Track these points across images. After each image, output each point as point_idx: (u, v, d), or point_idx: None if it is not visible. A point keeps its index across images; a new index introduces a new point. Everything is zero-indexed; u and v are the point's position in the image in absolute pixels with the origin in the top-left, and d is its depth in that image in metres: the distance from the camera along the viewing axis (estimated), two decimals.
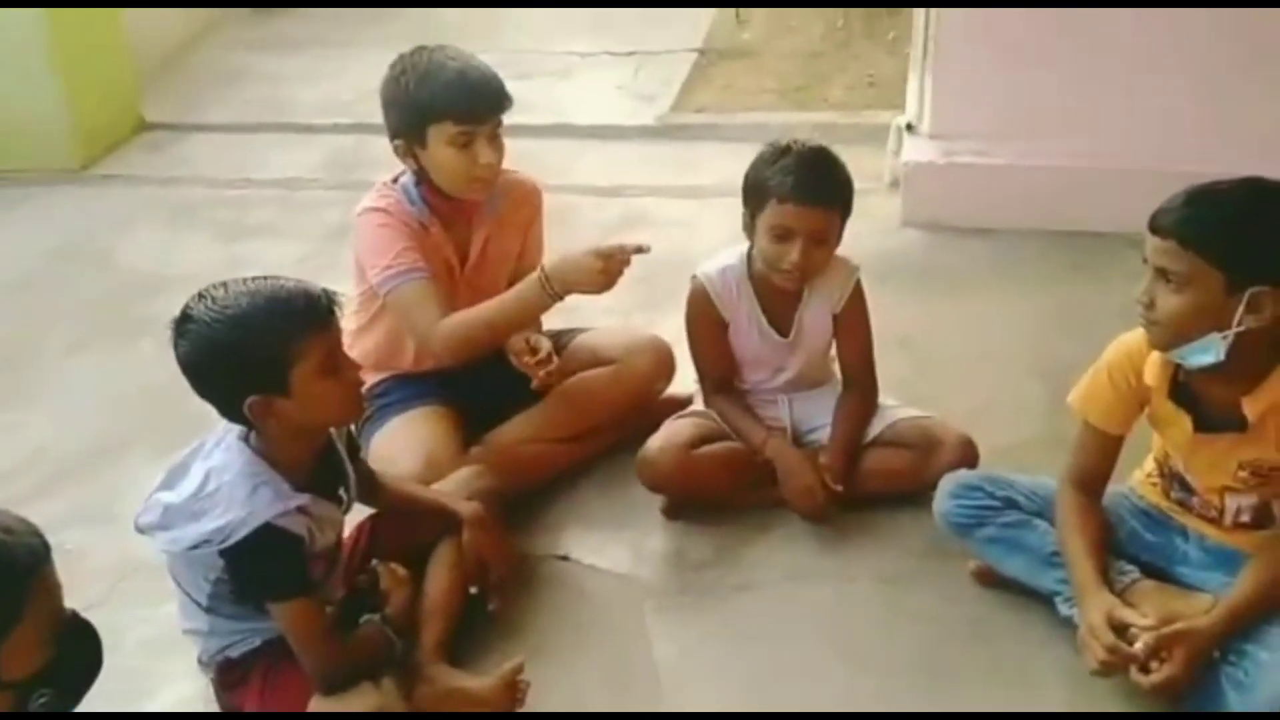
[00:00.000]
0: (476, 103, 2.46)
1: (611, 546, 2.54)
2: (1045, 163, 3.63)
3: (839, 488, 2.49)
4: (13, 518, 1.61)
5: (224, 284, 1.94)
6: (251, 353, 1.89)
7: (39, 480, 2.84)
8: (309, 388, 1.93)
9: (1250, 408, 1.98)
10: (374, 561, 2.25)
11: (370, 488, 2.27)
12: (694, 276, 2.60)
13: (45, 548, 1.62)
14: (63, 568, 2.46)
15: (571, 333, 2.81)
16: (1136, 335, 2.11)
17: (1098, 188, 3.56)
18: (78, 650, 1.67)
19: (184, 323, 1.91)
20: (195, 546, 1.96)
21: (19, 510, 2.62)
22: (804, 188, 2.39)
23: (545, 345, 2.57)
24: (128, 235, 4.07)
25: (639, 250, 2.41)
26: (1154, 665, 1.96)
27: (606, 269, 2.39)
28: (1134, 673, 1.98)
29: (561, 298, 2.46)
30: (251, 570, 1.97)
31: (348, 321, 2.62)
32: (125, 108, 4.80)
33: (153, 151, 4.70)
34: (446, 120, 2.44)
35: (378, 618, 2.12)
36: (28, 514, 2.62)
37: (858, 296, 2.58)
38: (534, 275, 2.46)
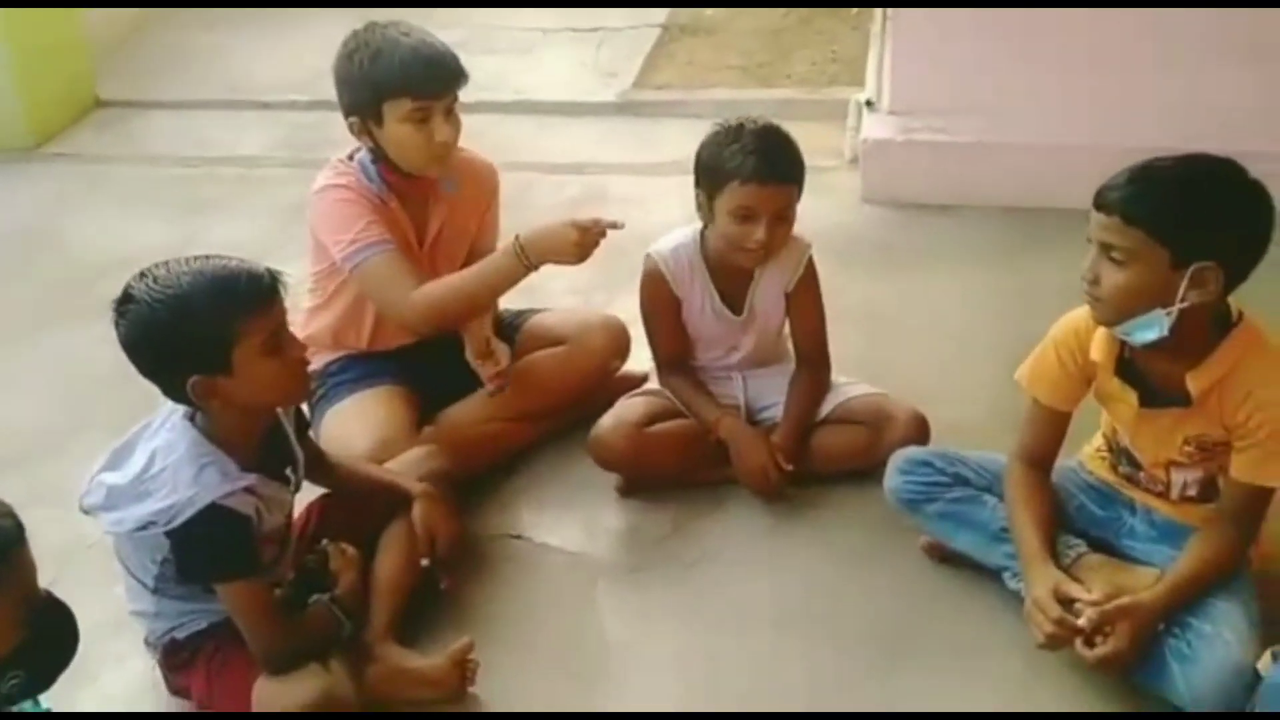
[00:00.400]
0: (432, 78, 2.43)
1: (565, 525, 2.54)
2: (1005, 139, 3.64)
3: (790, 467, 2.50)
4: None
5: (165, 263, 1.92)
6: (192, 332, 1.88)
7: None
8: (251, 368, 1.92)
9: (1194, 383, 1.99)
10: (324, 542, 2.23)
11: (319, 467, 2.26)
12: (648, 255, 2.59)
13: (18, 529, 1.60)
14: None
15: (527, 313, 2.81)
16: (1083, 312, 2.11)
17: (1058, 164, 3.56)
18: (51, 632, 1.65)
19: (125, 303, 1.89)
20: (141, 528, 1.94)
21: None
22: (765, 168, 2.38)
23: (504, 354, 2.56)
24: (81, 215, 4.03)
25: (614, 226, 2.42)
26: (1099, 640, 1.98)
27: (582, 240, 2.39)
28: (1079, 646, 1.99)
29: (536, 268, 2.45)
30: (198, 551, 1.96)
31: (303, 300, 2.60)
32: (79, 86, 4.74)
33: (107, 130, 4.65)
34: (403, 97, 2.42)
35: (326, 598, 2.11)
36: None
37: (810, 274, 2.58)
38: (508, 245, 2.45)
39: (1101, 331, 2.08)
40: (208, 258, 1.94)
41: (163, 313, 1.86)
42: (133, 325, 1.88)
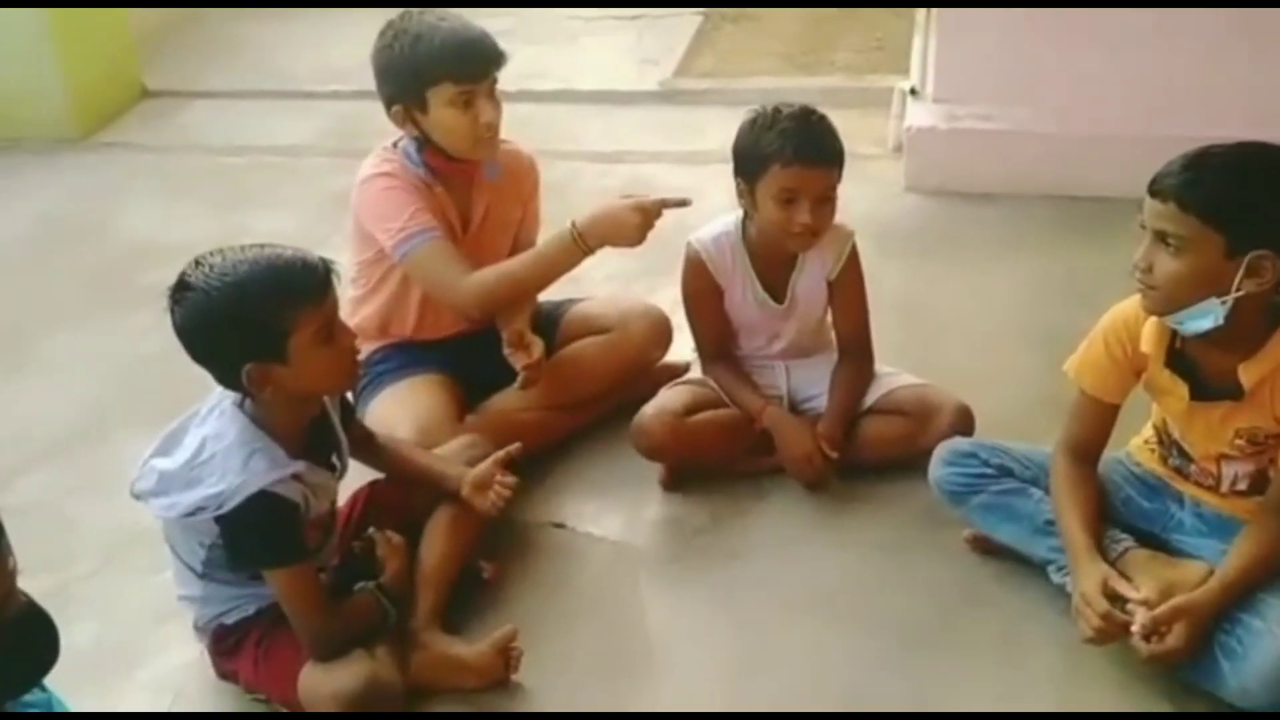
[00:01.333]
0: (473, 61, 2.44)
1: (607, 514, 2.54)
2: (1050, 128, 3.60)
3: (835, 455, 2.49)
4: None
5: (221, 251, 1.93)
6: (250, 320, 1.89)
7: (37, 449, 2.85)
8: (306, 356, 1.93)
9: (1246, 375, 1.96)
10: (370, 530, 2.25)
11: (369, 449, 2.28)
12: (689, 243, 2.59)
13: None
14: (61, 536, 2.52)
15: (568, 302, 2.81)
16: (1133, 302, 2.09)
17: (1103, 153, 3.53)
18: (21, 642, 1.54)
19: (182, 290, 1.90)
20: (191, 513, 1.96)
21: (17, 479, 2.67)
22: (806, 149, 2.37)
23: (538, 347, 2.57)
24: (126, 204, 4.07)
25: (681, 204, 2.46)
26: (1153, 638, 1.95)
27: (644, 222, 2.43)
28: (1135, 642, 1.96)
29: (593, 252, 2.47)
30: (246, 537, 1.98)
31: (347, 290, 2.62)
32: (125, 76, 4.79)
33: (153, 120, 4.70)
34: (445, 81, 2.43)
35: (372, 585, 2.13)
36: (24, 483, 2.68)
37: (853, 262, 2.57)
38: (564, 231, 2.48)
39: (1152, 323, 2.06)
40: (262, 246, 1.95)
41: (220, 300, 1.88)
42: (190, 312, 1.90)
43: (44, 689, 1.70)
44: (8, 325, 3.40)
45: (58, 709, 1.74)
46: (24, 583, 2.38)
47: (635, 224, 2.43)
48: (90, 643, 2.24)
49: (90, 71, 4.56)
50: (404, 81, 2.46)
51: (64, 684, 1.98)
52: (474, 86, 2.44)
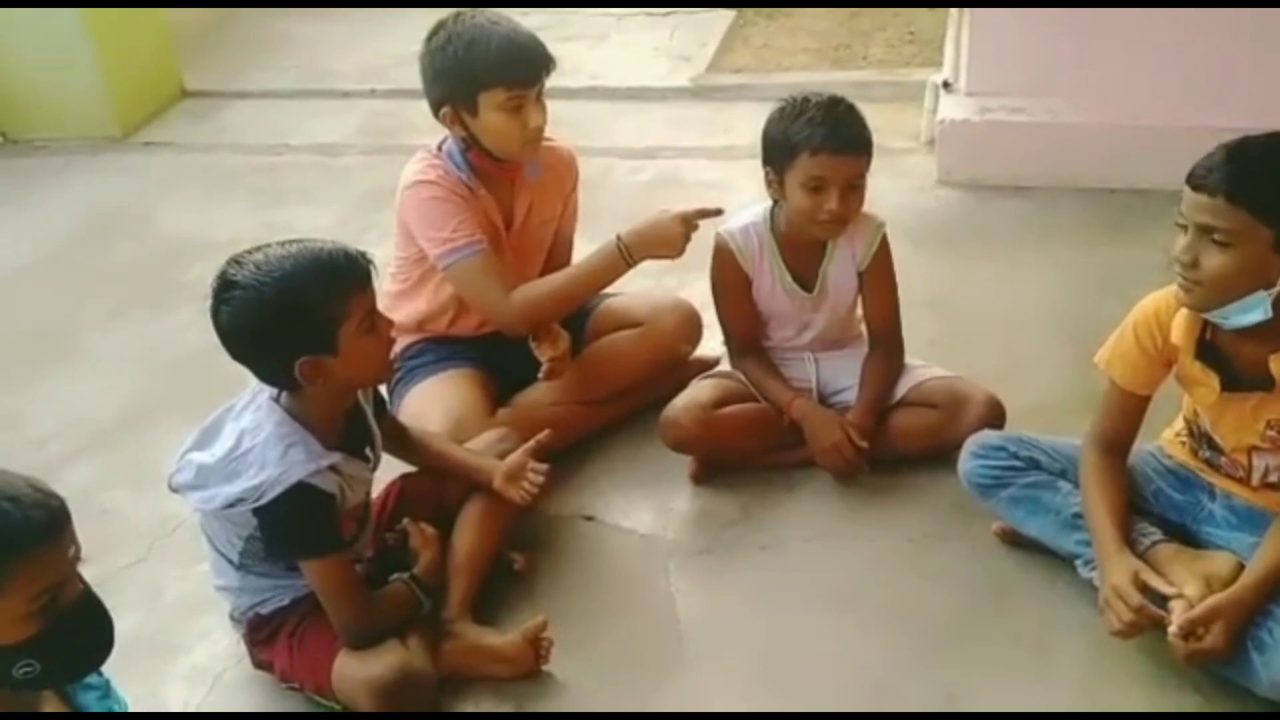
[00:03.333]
0: (528, 66, 2.45)
1: (637, 507, 2.55)
2: (1083, 120, 3.58)
3: (864, 444, 2.49)
4: (28, 486, 1.53)
5: (260, 249, 1.95)
6: (302, 313, 1.91)
7: (80, 442, 2.91)
8: (355, 346, 1.96)
9: (1278, 366, 1.95)
10: (404, 521, 2.28)
11: (402, 442, 2.31)
12: (717, 234, 2.60)
13: (49, 522, 1.51)
14: (103, 528, 2.57)
15: (598, 296, 2.82)
16: (1163, 294, 2.08)
17: (1137, 145, 3.50)
18: (76, 629, 1.56)
19: (227, 289, 1.91)
20: (230, 505, 1.99)
21: (61, 472, 2.72)
22: (836, 137, 2.38)
23: (564, 340, 2.59)
24: (167, 202, 4.14)
25: (717, 213, 2.52)
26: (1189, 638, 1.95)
27: (686, 233, 2.48)
28: (1172, 639, 1.95)
29: (636, 264, 2.52)
30: (284, 528, 2.01)
31: (388, 284, 2.66)
32: (165, 76, 4.87)
33: (193, 119, 4.77)
34: (498, 87, 2.43)
35: (406, 576, 2.16)
36: (68, 476, 2.73)
37: (884, 253, 2.57)
38: (610, 245, 2.52)
39: (1182, 314, 2.04)
40: (301, 241, 1.97)
41: (271, 295, 1.89)
42: (238, 310, 1.90)
43: (100, 673, 1.74)
44: (53, 321, 3.47)
45: (115, 692, 1.78)
46: None
47: (679, 234, 2.48)
48: (132, 632, 2.26)
49: (131, 72, 4.64)
50: (456, 84, 2.46)
51: (106, 672, 2.04)
52: (526, 92, 2.45)
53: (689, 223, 2.48)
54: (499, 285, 2.52)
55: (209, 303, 1.94)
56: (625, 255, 2.50)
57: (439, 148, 2.60)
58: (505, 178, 2.61)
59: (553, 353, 2.56)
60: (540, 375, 2.58)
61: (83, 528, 2.58)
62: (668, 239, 2.49)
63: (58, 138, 4.54)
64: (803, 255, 2.57)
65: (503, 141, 2.50)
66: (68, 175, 4.36)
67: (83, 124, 4.53)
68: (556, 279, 2.59)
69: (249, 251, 1.96)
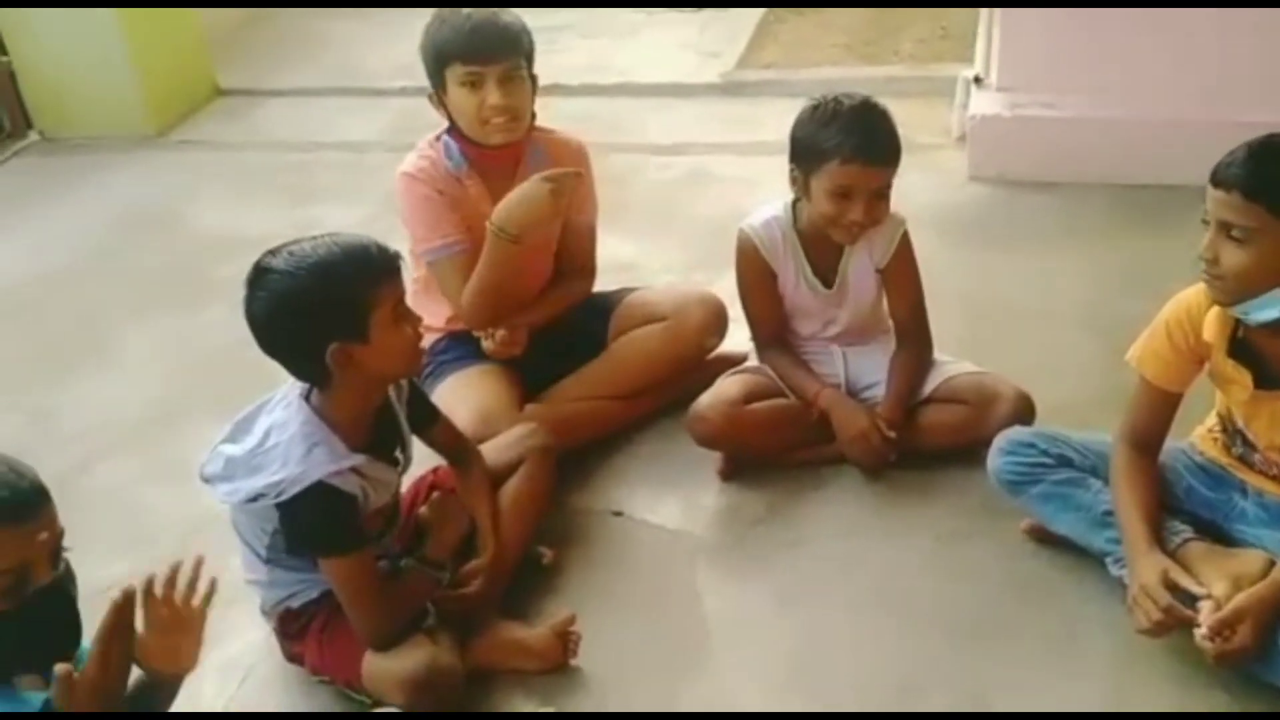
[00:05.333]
0: (478, 43, 2.50)
1: (665, 503, 2.56)
2: (1115, 115, 3.56)
3: (892, 434, 2.49)
4: (3, 465, 1.54)
5: (295, 241, 1.98)
6: (335, 297, 1.93)
7: (113, 438, 2.95)
8: (385, 335, 1.98)
9: None
10: (434, 494, 2.27)
11: (458, 458, 2.33)
12: (740, 229, 2.61)
13: (13, 502, 1.51)
14: (136, 523, 2.61)
15: (625, 290, 2.83)
16: (1196, 291, 2.06)
17: (1168, 140, 3.47)
18: (39, 617, 1.55)
19: (261, 276, 1.95)
20: (252, 499, 2.02)
21: (94, 467, 2.76)
22: (868, 148, 2.38)
23: (520, 336, 2.61)
24: (199, 200, 4.18)
25: (577, 174, 2.52)
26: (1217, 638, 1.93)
27: (555, 189, 2.45)
28: (1200, 640, 1.94)
29: (519, 240, 2.48)
30: (304, 525, 2.03)
31: (409, 282, 2.67)
32: (199, 75, 4.92)
33: (226, 117, 4.81)
34: (456, 61, 2.51)
35: (413, 560, 2.15)
36: (102, 471, 2.76)
37: (905, 250, 2.56)
38: (488, 229, 2.51)
39: (1214, 311, 2.03)
40: (332, 234, 2.00)
41: (306, 279, 1.92)
42: (272, 295, 1.93)
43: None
44: (89, 317, 3.51)
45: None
46: (104, 566, 2.48)
47: (542, 193, 2.45)
48: None
49: (165, 71, 4.69)
50: (429, 63, 2.58)
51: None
52: (481, 69, 2.50)
53: (553, 180, 2.45)
54: (459, 286, 2.58)
55: (242, 297, 1.97)
56: (503, 235, 2.47)
57: (438, 137, 2.65)
58: (499, 166, 2.63)
59: (493, 345, 2.58)
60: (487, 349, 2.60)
61: (119, 519, 2.65)
62: (532, 199, 2.46)
63: (93, 136, 4.60)
64: (823, 252, 2.57)
65: (464, 119, 2.56)
66: (102, 173, 4.41)
67: (118, 122, 4.59)
68: (473, 278, 2.57)
69: (285, 243, 1.99)
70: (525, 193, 2.47)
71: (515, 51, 2.54)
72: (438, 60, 2.55)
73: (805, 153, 2.44)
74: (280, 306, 1.94)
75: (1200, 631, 1.93)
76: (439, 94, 2.59)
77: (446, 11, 2.57)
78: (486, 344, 2.59)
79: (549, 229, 2.60)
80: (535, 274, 2.71)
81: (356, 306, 1.94)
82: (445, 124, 2.65)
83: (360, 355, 1.97)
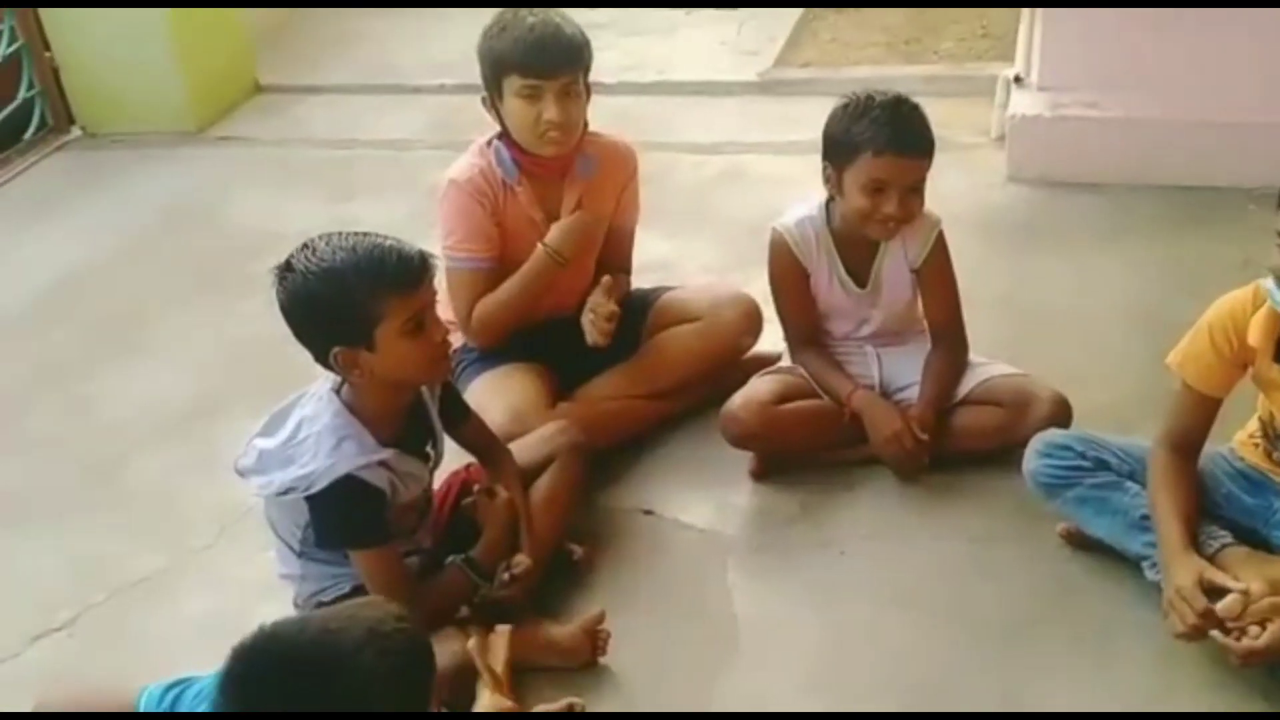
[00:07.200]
0: (540, 57, 2.48)
1: (697, 502, 2.55)
2: (1157, 115, 3.51)
3: (925, 436, 2.47)
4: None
5: (327, 237, 2.00)
6: (340, 305, 1.96)
7: (153, 429, 2.97)
8: (392, 345, 1.98)
9: None
10: (475, 488, 2.27)
11: (487, 456, 2.33)
12: (773, 229, 2.60)
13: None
14: (173, 513, 2.63)
15: (660, 289, 2.83)
16: (1240, 294, 2.04)
17: (1212, 141, 3.43)
18: None
19: (286, 270, 1.99)
20: (284, 492, 2.04)
21: (133, 458, 2.78)
22: (899, 140, 2.37)
23: (607, 309, 2.63)
24: (239, 196, 4.21)
25: None
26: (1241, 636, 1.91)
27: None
28: (1223, 640, 1.92)
29: (567, 264, 2.58)
30: (332, 518, 2.05)
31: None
32: (240, 72, 4.95)
33: (266, 114, 4.84)
34: (514, 73, 2.50)
35: (461, 559, 2.16)
36: (140, 462, 2.79)
37: (940, 250, 2.55)
38: (539, 251, 2.57)
39: (1260, 315, 2.00)
40: (365, 235, 2.01)
41: (315, 284, 1.95)
42: (289, 293, 1.98)
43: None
44: (129, 311, 3.54)
45: None
46: (142, 557, 2.50)
47: (597, 226, 2.58)
48: (201, 615, 2.34)
49: (207, 69, 4.73)
50: (486, 69, 2.56)
51: (176, 655, 2.09)
52: (540, 82, 2.48)
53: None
54: (470, 303, 2.60)
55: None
56: (554, 255, 2.57)
57: (489, 142, 2.64)
58: (551, 174, 2.63)
59: (602, 318, 2.61)
60: (591, 340, 2.63)
61: (157, 512, 2.68)
62: (587, 232, 2.61)
63: (135, 132, 4.64)
64: (857, 251, 2.56)
65: (519, 131, 2.55)
66: (144, 168, 4.45)
67: (159, 118, 4.63)
68: (501, 292, 2.61)
69: (319, 237, 2.01)
70: (585, 223, 2.58)
71: (576, 66, 2.52)
72: (495, 68, 2.52)
73: (838, 148, 2.43)
74: (292, 304, 1.98)
75: (1219, 606, 1.89)
76: (493, 98, 2.56)
77: (509, 15, 2.53)
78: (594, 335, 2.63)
79: (591, 257, 2.68)
80: (581, 273, 2.71)
81: (360, 316, 1.96)
82: (492, 126, 2.64)
83: (365, 360, 1.99)
